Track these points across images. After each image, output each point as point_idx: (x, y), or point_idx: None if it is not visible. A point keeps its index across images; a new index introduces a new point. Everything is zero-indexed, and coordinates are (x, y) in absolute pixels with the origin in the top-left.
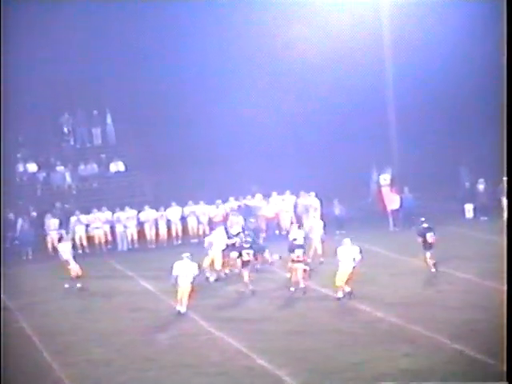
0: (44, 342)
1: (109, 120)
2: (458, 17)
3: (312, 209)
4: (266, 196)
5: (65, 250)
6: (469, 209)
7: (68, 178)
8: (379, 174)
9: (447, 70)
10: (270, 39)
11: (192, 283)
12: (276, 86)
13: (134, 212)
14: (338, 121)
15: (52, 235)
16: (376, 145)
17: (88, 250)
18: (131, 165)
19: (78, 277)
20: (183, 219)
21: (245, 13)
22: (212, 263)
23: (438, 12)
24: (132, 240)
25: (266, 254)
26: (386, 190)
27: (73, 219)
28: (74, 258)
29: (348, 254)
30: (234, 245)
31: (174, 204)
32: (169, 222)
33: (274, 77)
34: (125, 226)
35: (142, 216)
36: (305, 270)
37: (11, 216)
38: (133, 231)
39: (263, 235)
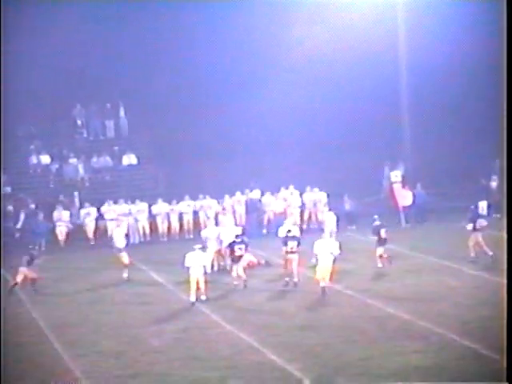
0: (55, 334)
1: (122, 113)
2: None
3: (321, 204)
4: (274, 191)
5: (119, 239)
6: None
7: (81, 170)
8: (391, 171)
9: (461, 67)
10: (283, 36)
11: (205, 274)
12: (288, 82)
13: (145, 205)
14: (350, 116)
15: (61, 227)
16: (389, 141)
17: (99, 242)
18: (144, 158)
19: (126, 266)
20: (195, 213)
21: (261, 11)
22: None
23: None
24: (144, 233)
25: (253, 258)
26: (397, 187)
27: (83, 211)
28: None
29: (324, 248)
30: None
31: (187, 198)
32: (181, 216)
33: (287, 73)
34: (135, 219)
35: (155, 209)
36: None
37: (23, 208)
38: (144, 224)
39: (264, 231)
